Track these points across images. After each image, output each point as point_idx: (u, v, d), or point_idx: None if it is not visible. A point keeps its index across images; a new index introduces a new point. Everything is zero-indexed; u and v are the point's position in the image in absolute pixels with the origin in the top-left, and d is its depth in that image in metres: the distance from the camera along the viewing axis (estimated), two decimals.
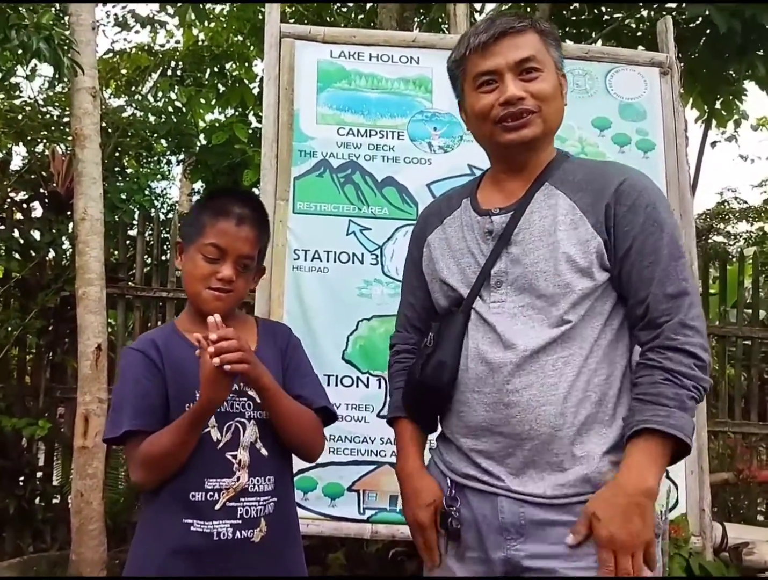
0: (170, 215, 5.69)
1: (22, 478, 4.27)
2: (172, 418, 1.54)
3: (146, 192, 5.22)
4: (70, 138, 3.99)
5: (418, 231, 1.70)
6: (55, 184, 4.50)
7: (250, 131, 5.06)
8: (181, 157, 6.11)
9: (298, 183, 2.88)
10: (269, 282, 2.79)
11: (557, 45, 1.52)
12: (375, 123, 2.94)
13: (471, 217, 1.56)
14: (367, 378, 2.79)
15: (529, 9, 5.03)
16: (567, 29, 5.57)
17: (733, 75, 5.39)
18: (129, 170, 5.48)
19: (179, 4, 5.50)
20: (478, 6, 5.54)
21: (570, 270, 1.41)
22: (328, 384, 2.76)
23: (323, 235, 2.85)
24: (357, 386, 2.78)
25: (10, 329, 4.17)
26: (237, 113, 5.95)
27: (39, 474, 4.39)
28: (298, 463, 2.72)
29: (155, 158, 6.09)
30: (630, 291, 1.42)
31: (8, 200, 4.63)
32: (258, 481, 1.57)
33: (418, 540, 1.56)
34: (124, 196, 4.75)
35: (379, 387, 2.78)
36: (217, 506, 1.53)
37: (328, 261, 2.83)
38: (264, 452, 1.59)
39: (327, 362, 2.77)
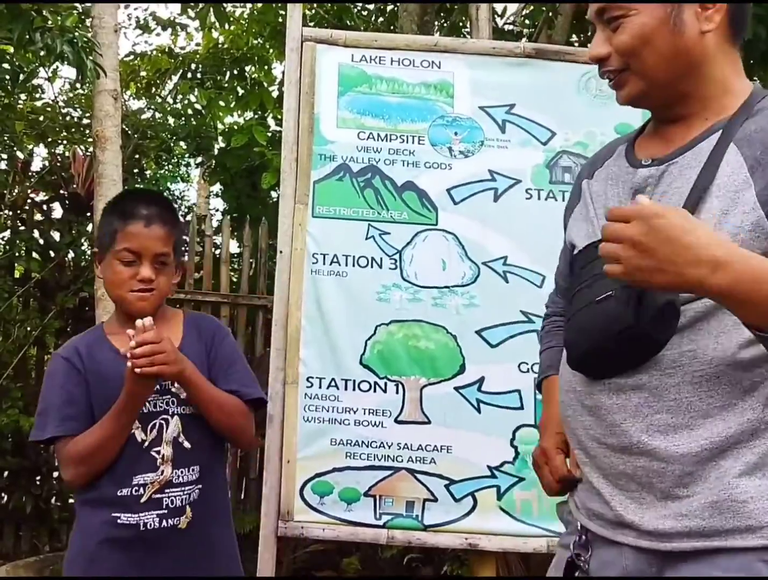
0: (188, 218, 5.72)
1: (39, 477, 4.30)
2: (96, 422, 1.63)
3: (165, 194, 5.25)
4: (90, 140, 4.02)
5: (571, 191, 1.40)
6: (75, 186, 4.54)
7: (269, 134, 5.06)
8: (200, 159, 6.13)
9: (317, 187, 2.87)
10: (287, 286, 2.79)
11: None
12: (395, 127, 2.93)
13: (620, 168, 1.22)
14: (385, 383, 2.77)
15: (551, 13, 4.98)
16: (589, 33, 5.53)
17: (758, 82, 5.34)
18: (148, 172, 5.51)
19: (200, 6, 5.52)
20: (499, 9, 5.50)
21: None
22: (346, 389, 2.75)
23: (342, 239, 2.84)
24: (375, 390, 2.77)
25: (29, 328, 4.20)
26: (256, 116, 5.97)
27: (55, 474, 4.41)
28: (315, 468, 2.73)
29: (174, 160, 6.12)
30: None
31: (29, 201, 4.67)
32: (182, 472, 1.65)
33: (539, 474, 1.35)
34: None
35: (397, 392, 2.77)
36: (143, 499, 1.62)
37: (346, 265, 2.82)
38: (187, 444, 1.67)
39: (344, 367, 2.76)
